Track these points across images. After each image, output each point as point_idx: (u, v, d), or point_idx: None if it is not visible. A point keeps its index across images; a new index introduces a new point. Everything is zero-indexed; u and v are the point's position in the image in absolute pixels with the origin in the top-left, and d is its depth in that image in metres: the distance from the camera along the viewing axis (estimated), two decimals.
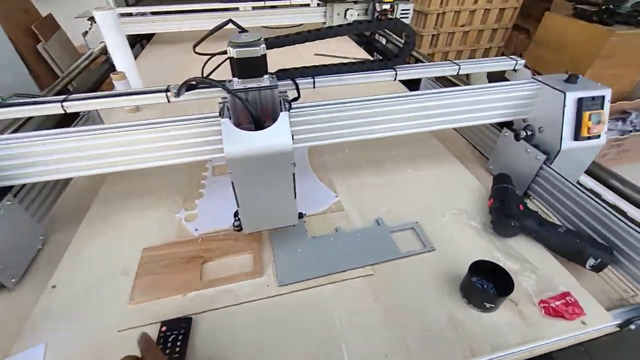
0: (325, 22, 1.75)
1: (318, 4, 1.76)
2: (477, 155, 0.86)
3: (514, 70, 0.71)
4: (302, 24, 1.86)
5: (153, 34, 1.84)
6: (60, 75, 1.42)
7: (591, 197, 0.56)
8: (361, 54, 1.57)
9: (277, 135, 0.41)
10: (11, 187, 0.56)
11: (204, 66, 0.52)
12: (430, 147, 0.85)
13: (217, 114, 0.48)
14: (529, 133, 0.69)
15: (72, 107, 0.55)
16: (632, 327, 0.47)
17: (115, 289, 0.52)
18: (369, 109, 0.61)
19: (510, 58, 0.71)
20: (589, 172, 0.74)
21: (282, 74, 0.59)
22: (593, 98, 0.61)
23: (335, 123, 0.61)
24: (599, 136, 0.63)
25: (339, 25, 0.57)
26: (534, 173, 0.67)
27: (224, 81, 0.46)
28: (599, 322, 0.48)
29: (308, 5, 1.81)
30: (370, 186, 0.73)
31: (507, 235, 0.58)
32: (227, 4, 1.81)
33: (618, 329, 0.48)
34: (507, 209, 0.58)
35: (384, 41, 1.86)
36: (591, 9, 1.90)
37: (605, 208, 0.54)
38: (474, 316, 0.48)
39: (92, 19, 1.51)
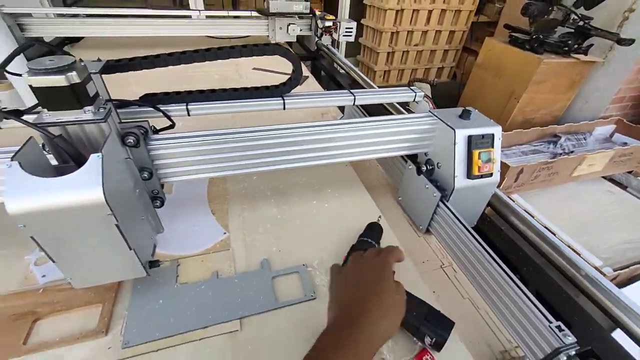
0: (268, 36, 1.70)
1: (257, 17, 1.71)
2: (393, 185, 0.84)
3: (415, 102, 0.70)
4: (248, 36, 1.81)
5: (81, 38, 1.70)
6: None
7: (479, 242, 0.54)
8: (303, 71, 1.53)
9: (80, 184, 0.34)
10: None
11: None
12: (344, 175, 0.82)
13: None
14: (429, 167, 0.67)
15: None
16: None
17: None
18: (254, 141, 0.56)
19: (411, 89, 0.70)
20: (491, 206, 0.74)
21: (142, 101, 0.52)
22: (483, 136, 0.60)
23: (216, 155, 0.55)
24: (491, 174, 0.63)
25: (206, 50, 0.51)
26: (432, 210, 0.65)
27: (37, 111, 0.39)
28: None
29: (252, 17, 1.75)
30: (268, 221, 0.67)
31: None
32: (178, 12, 1.73)
33: None
34: None
35: None
36: (523, 37, 2.03)
37: (491, 257, 0.52)
38: None
39: None
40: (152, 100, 0.53)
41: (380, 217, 0.65)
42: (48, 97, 0.37)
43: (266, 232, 0.64)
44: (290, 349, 0.46)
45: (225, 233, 0.63)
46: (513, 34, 2.12)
